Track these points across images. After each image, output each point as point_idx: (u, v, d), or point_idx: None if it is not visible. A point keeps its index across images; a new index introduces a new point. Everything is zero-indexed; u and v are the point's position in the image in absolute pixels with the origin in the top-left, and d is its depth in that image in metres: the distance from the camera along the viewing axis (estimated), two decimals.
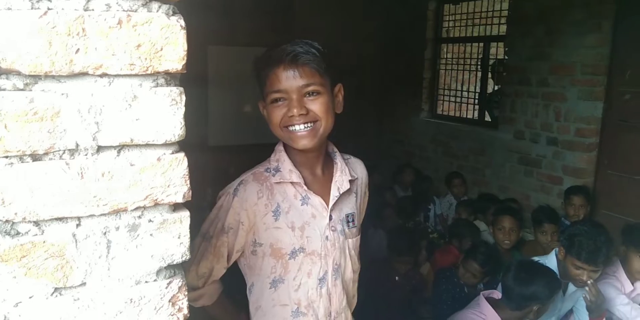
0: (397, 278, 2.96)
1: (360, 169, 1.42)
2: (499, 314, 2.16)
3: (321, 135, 1.22)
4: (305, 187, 1.26)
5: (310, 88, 1.19)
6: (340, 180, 1.31)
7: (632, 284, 2.56)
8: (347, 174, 1.33)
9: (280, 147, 1.31)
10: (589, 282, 2.30)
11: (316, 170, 1.31)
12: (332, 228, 1.28)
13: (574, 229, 2.42)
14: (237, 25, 4.77)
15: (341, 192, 1.30)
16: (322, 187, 1.30)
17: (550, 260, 2.49)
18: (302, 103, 1.18)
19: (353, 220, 1.35)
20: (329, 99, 1.22)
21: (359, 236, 1.38)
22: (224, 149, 4.87)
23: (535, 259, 2.55)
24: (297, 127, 1.19)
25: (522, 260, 3.03)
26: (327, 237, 1.27)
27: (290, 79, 1.17)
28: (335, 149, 1.38)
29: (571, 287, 2.50)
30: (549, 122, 3.91)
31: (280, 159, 1.28)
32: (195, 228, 1.26)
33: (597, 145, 3.69)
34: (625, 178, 3.54)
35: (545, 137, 3.96)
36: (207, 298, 1.34)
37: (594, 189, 3.74)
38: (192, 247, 1.25)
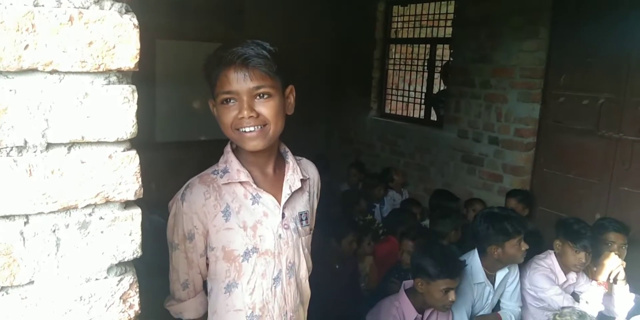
0: (337, 266, 2.92)
1: (312, 170, 1.43)
2: (412, 300, 2.29)
3: (271, 137, 1.23)
4: (254, 186, 1.26)
5: (261, 90, 1.19)
6: (292, 179, 1.32)
7: (565, 275, 2.73)
8: (299, 173, 1.34)
9: (228, 149, 1.31)
10: None
11: (267, 169, 1.31)
12: (285, 226, 1.29)
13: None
14: (187, 19, 4.70)
15: (293, 190, 1.31)
16: (273, 186, 1.30)
17: (474, 258, 2.61)
18: (252, 105, 1.19)
19: (307, 219, 1.35)
20: (279, 101, 1.23)
21: (311, 235, 1.40)
22: (172, 145, 4.79)
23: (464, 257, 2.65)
24: (246, 129, 1.20)
25: (433, 241, 3.16)
26: (280, 235, 1.28)
27: (240, 81, 1.17)
28: (287, 149, 1.38)
29: (498, 277, 2.63)
30: (491, 122, 4.09)
31: (229, 160, 1.28)
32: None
33: (534, 145, 3.90)
34: (559, 176, 3.76)
35: (487, 136, 4.13)
36: (192, 311, 1.33)
37: (531, 186, 3.94)
38: (169, 259, 1.28)
